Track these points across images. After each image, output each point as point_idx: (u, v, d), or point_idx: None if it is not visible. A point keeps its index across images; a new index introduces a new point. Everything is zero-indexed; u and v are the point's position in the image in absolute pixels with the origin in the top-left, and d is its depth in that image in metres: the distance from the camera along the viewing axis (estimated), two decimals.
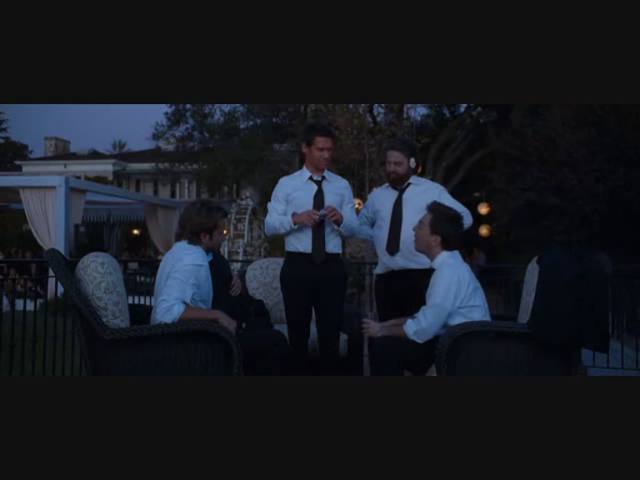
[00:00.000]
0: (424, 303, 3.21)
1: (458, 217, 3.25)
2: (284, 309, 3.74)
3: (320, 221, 3.47)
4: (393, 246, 3.73)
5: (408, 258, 3.68)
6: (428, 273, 3.26)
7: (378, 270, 3.97)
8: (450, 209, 3.29)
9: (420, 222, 3.28)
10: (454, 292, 3.07)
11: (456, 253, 3.24)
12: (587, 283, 2.84)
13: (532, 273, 3.20)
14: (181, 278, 3.00)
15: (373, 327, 3.33)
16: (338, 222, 3.51)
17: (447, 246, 3.20)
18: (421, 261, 3.49)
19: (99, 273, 2.79)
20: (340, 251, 3.68)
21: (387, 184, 3.98)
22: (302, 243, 3.54)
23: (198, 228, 3.20)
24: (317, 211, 3.48)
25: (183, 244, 3.21)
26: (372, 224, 3.98)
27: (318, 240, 3.52)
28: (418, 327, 3.10)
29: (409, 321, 3.16)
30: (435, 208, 3.26)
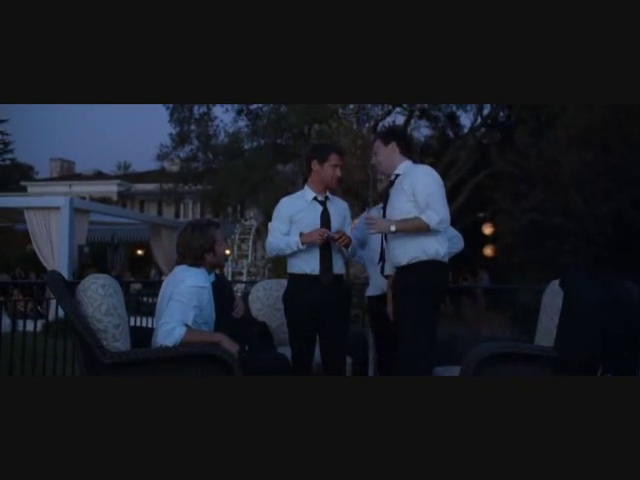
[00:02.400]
0: None
1: (398, 127, 3.54)
2: (287, 332, 3.65)
3: (327, 241, 3.42)
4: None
5: None
6: None
7: (371, 292, 3.92)
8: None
9: (373, 153, 3.50)
10: (441, 182, 3.22)
11: None
12: (615, 309, 2.80)
13: (551, 296, 3.15)
14: (183, 300, 2.96)
15: (380, 223, 3.31)
16: (347, 245, 3.48)
17: (405, 150, 3.39)
18: None
19: (99, 295, 2.75)
20: (344, 272, 3.64)
21: (380, 205, 3.96)
22: (308, 264, 3.47)
23: (200, 251, 3.16)
24: (326, 230, 3.44)
25: (184, 267, 3.17)
26: (361, 245, 3.95)
27: (326, 261, 3.47)
28: (440, 216, 3.13)
29: (427, 212, 3.14)
30: (377, 133, 3.50)
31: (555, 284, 3.20)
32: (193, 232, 3.19)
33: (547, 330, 3.11)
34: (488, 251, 15.98)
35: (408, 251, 3.24)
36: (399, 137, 3.47)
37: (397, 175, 3.37)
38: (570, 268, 3.11)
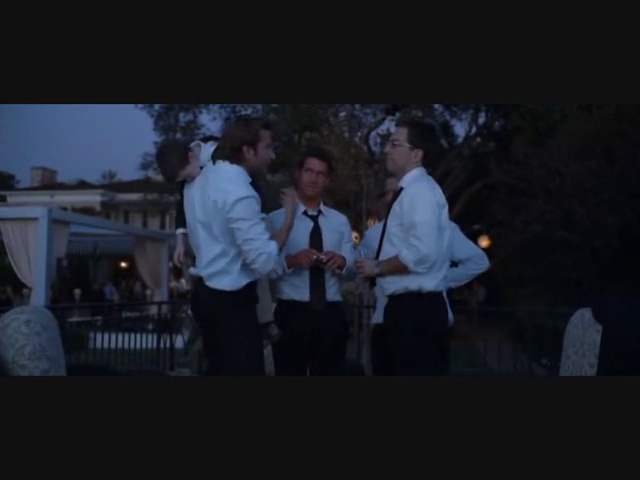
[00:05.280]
0: None
1: (435, 127, 2.94)
2: (273, 364, 3.23)
3: (317, 264, 3.01)
4: None
5: None
6: None
7: (379, 319, 3.39)
8: (425, 119, 3.02)
9: (393, 141, 2.87)
10: (437, 206, 2.70)
11: (428, 175, 2.88)
12: None
13: (582, 329, 2.81)
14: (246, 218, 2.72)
15: (368, 266, 2.86)
16: (340, 267, 3.05)
17: (427, 161, 2.84)
18: None
19: (22, 334, 2.22)
20: (341, 299, 3.21)
21: (378, 223, 3.51)
22: (298, 290, 3.07)
23: (238, 142, 2.82)
24: (315, 251, 3.00)
25: (221, 163, 2.86)
26: None
27: (317, 287, 3.05)
28: (418, 255, 2.62)
29: (404, 251, 2.67)
30: (409, 120, 3.02)
31: (584, 314, 2.84)
32: (238, 121, 2.95)
33: (577, 367, 2.81)
34: None
35: (391, 282, 2.84)
36: (431, 146, 2.88)
37: (402, 188, 2.87)
38: (602, 296, 2.72)
